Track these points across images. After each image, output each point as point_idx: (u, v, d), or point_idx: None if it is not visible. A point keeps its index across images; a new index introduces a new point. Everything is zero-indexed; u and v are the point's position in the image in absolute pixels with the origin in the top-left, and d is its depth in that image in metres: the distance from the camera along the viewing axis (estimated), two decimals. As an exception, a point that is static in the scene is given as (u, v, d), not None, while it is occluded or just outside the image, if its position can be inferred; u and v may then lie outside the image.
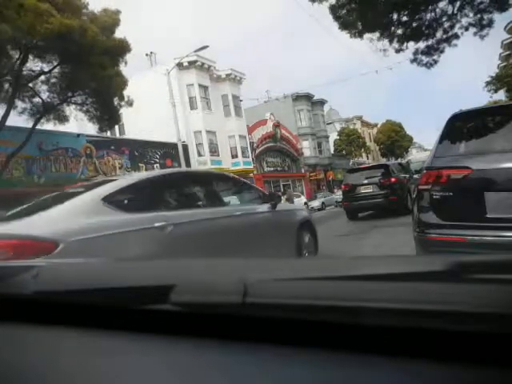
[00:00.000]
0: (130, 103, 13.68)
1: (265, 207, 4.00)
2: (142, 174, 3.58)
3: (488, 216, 2.31)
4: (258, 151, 26.98)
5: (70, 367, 0.43)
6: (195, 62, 21.91)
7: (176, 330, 0.45)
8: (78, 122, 14.78)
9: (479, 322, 0.32)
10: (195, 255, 2.84)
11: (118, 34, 12.48)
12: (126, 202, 2.82)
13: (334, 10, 10.15)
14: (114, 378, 0.40)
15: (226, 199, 3.77)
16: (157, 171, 3.83)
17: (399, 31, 10.76)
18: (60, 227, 2.38)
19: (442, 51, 10.91)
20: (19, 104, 12.58)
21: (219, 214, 3.34)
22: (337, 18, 10.25)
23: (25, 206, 3.12)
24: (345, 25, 10.39)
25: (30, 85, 12.40)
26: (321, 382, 0.34)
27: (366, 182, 10.35)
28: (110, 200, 2.70)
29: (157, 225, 2.73)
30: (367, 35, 10.70)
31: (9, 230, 2.36)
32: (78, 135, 15.67)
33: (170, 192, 3.36)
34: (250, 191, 4.38)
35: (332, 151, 38.72)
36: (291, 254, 4.07)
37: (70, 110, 13.68)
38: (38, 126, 12.87)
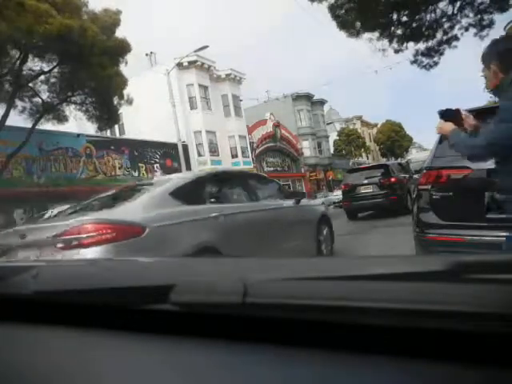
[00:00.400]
0: (129, 101, 13.66)
1: (291, 202, 4.64)
2: (195, 173, 4.32)
3: (488, 216, 2.32)
4: (257, 151, 26.98)
5: (70, 367, 0.43)
6: (195, 61, 21.91)
7: (176, 330, 0.45)
8: (77, 122, 14.78)
9: (479, 322, 0.32)
10: (241, 240, 3.48)
11: (119, 34, 12.49)
12: (188, 196, 3.40)
13: (332, 9, 10.15)
14: (114, 378, 0.40)
15: (260, 195, 4.39)
16: (206, 171, 4.54)
17: (399, 31, 10.76)
18: (144, 215, 2.92)
19: (441, 53, 10.90)
20: (19, 104, 12.59)
21: (256, 207, 4.00)
22: (335, 17, 10.25)
23: (98, 199, 3.83)
24: (343, 24, 10.39)
25: (30, 84, 12.40)
26: (321, 381, 0.34)
27: (365, 181, 10.35)
28: (176, 194, 3.28)
29: (212, 215, 3.32)
30: (366, 35, 10.70)
31: (110, 216, 2.91)
32: (78, 135, 15.67)
33: (218, 187, 3.95)
34: (279, 188, 5.06)
35: (332, 151, 38.73)
36: (313, 243, 4.78)
37: (70, 110, 13.68)
38: (38, 126, 12.86)
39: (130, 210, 3.02)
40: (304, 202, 4.93)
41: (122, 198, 3.45)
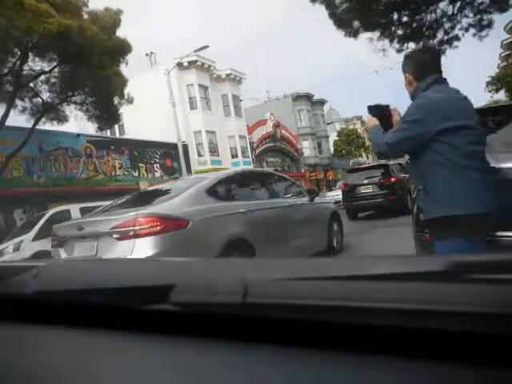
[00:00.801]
0: (130, 100, 13.65)
1: (306, 200, 5.15)
2: (225, 172, 4.75)
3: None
4: (257, 151, 26.96)
5: (70, 367, 0.43)
6: (195, 61, 21.89)
7: (176, 330, 0.45)
8: (77, 122, 14.76)
9: (479, 322, 0.32)
10: (265, 233, 3.91)
11: (119, 34, 12.48)
12: (220, 193, 3.86)
13: (329, 7, 10.14)
14: (114, 378, 0.40)
15: (280, 192, 4.92)
16: (231, 170, 5.11)
17: (399, 31, 10.75)
18: (187, 210, 3.31)
19: (443, 53, 10.89)
20: (19, 103, 12.58)
21: (277, 204, 4.48)
22: (333, 15, 10.23)
23: (140, 194, 4.44)
24: (340, 23, 10.37)
25: (31, 84, 12.39)
26: (321, 381, 0.34)
27: (365, 181, 10.35)
28: (210, 192, 3.71)
29: (241, 210, 3.75)
30: (365, 35, 10.69)
31: (158, 211, 3.27)
32: (78, 135, 15.66)
33: (244, 186, 4.44)
34: (296, 187, 5.58)
35: (332, 151, 38.72)
36: (325, 235, 5.28)
37: (70, 110, 13.67)
38: (38, 126, 12.85)
39: (175, 205, 3.39)
40: (317, 199, 5.48)
41: (164, 194, 3.86)
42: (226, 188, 3.98)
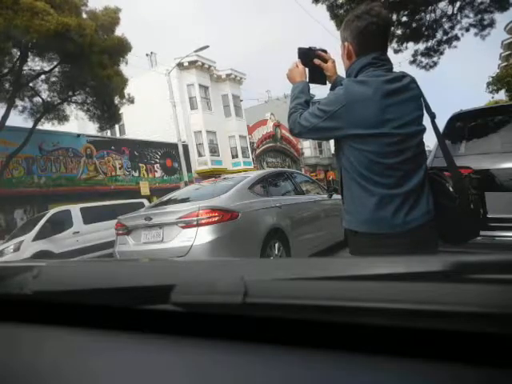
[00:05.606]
0: (131, 100, 13.65)
1: (325, 196, 5.88)
2: (260, 172, 5.29)
3: (488, 216, 2.32)
4: (258, 151, 26.94)
5: (70, 367, 0.43)
6: (195, 62, 21.88)
7: (176, 330, 0.45)
8: (78, 122, 14.76)
9: (479, 322, 0.32)
10: (295, 223, 4.60)
11: (119, 34, 12.47)
12: (258, 189, 4.52)
13: (331, 8, 10.13)
14: (114, 378, 0.40)
15: (304, 189, 5.65)
16: (265, 171, 5.67)
17: (398, 31, 10.74)
18: (237, 204, 3.91)
19: (441, 53, 10.89)
20: (19, 103, 12.57)
21: (303, 199, 5.21)
22: (334, 16, 10.23)
23: (191, 190, 5.05)
24: (341, 23, 10.34)
25: (31, 84, 12.38)
26: (321, 382, 0.34)
27: None
28: (251, 189, 4.35)
29: (276, 204, 4.42)
30: None
31: (216, 204, 3.79)
32: (79, 135, 15.66)
33: (276, 184, 5.14)
34: (317, 185, 6.38)
35: (332, 151, 38.74)
36: (342, 229, 5.59)
37: (71, 110, 13.67)
38: (38, 126, 12.85)
39: (227, 200, 3.95)
40: (334, 196, 6.07)
41: (214, 190, 4.34)
42: (263, 185, 4.64)
